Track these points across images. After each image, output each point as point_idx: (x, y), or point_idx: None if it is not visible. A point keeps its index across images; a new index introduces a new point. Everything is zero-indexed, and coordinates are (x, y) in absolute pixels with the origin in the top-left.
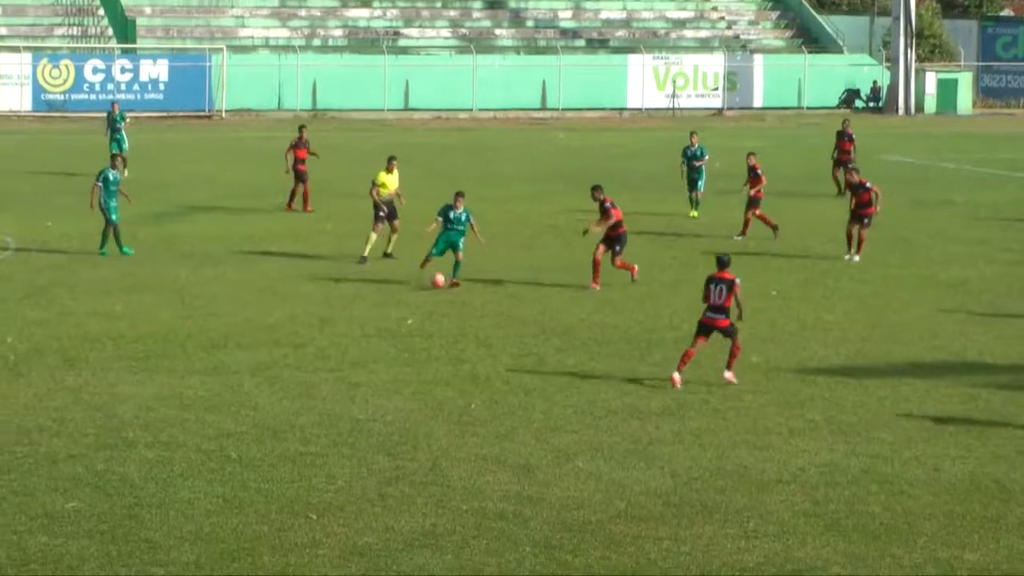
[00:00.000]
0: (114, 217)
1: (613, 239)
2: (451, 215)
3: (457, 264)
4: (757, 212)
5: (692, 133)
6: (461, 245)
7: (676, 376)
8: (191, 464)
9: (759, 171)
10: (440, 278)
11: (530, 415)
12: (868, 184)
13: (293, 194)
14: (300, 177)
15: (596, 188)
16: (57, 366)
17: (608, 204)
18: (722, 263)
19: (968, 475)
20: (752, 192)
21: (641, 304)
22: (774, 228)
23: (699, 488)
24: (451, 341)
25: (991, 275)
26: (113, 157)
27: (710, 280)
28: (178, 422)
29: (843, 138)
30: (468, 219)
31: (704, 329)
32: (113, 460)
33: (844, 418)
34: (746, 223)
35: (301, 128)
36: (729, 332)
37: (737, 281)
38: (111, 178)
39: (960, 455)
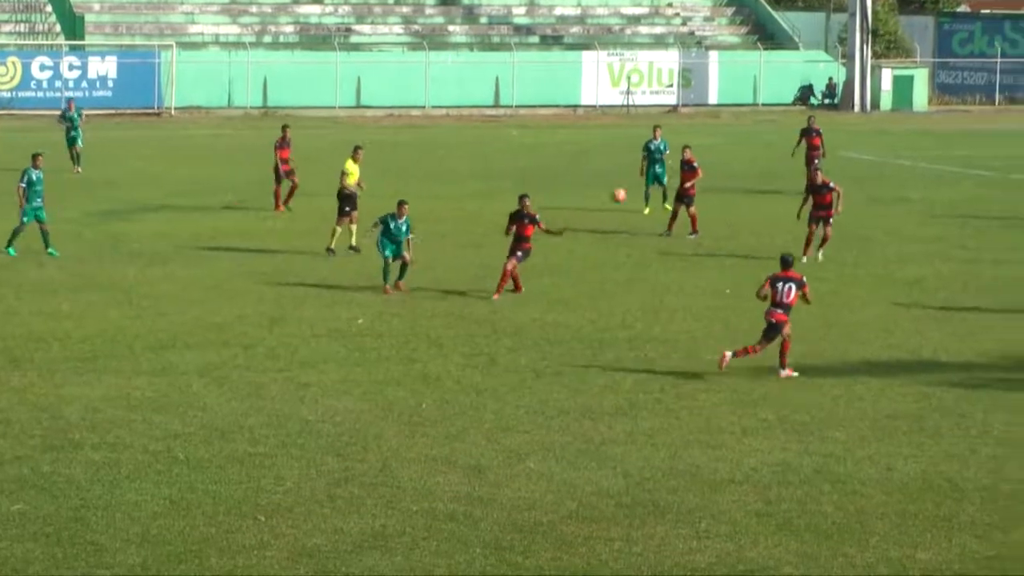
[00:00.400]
0: (26, 220)
1: (520, 250)
2: (392, 225)
3: (404, 267)
4: (682, 208)
5: (656, 127)
6: (404, 249)
7: (786, 371)
8: (138, 466)
9: (695, 164)
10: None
11: (481, 415)
12: (831, 184)
13: (290, 193)
14: (283, 175)
15: (525, 196)
16: (2, 367)
17: (537, 217)
18: (786, 262)
19: (921, 474)
20: (687, 186)
21: (594, 303)
22: (668, 231)
23: (651, 488)
24: (402, 341)
25: (947, 273)
26: (35, 156)
27: (776, 280)
28: (125, 423)
29: (811, 134)
30: (407, 231)
31: (773, 328)
32: (59, 462)
33: (797, 417)
34: (693, 219)
35: (284, 128)
36: (780, 331)
37: (805, 280)
38: (34, 178)
39: (913, 454)
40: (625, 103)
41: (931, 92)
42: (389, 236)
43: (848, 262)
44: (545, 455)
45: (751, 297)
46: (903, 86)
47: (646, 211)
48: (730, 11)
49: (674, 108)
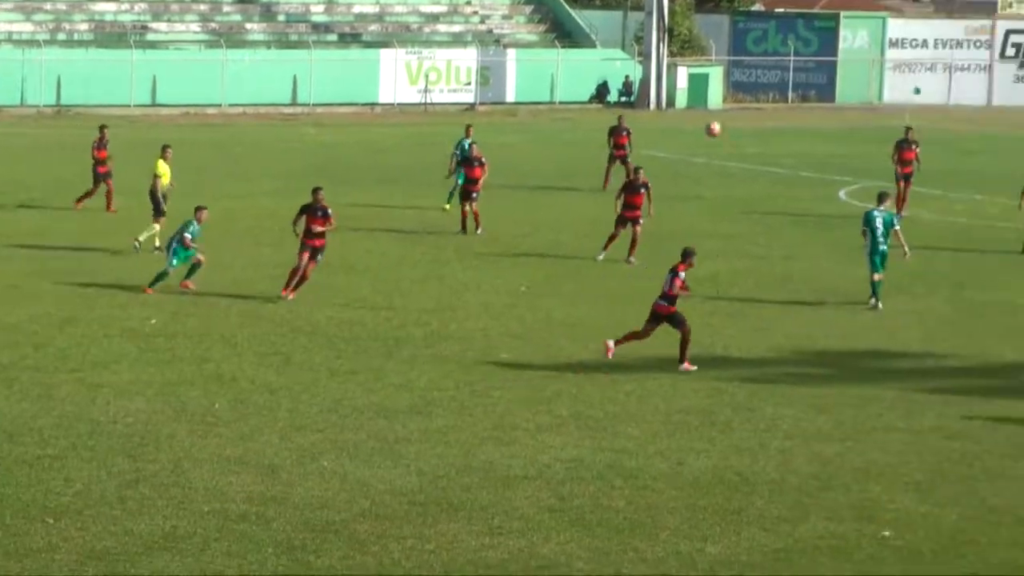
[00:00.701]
0: None
1: (312, 247)
2: (193, 231)
3: (196, 266)
4: (474, 207)
5: (468, 126)
6: (198, 252)
7: (611, 344)
8: None
9: (483, 160)
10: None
11: (275, 414)
12: (649, 184)
13: (108, 195)
14: (100, 177)
15: (319, 189)
16: None
17: (329, 211)
18: (682, 254)
19: (711, 468)
20: (478, 182)
21: (390, 301)
22: (462, 230)
23: (444, 486)
24: (195, 340)
25: (740, 269)
26: None
27: (670, 271)
28: None
29: (620, 133)
30: (199, 234)
31: (653, 316)
32: None
33: (591, 413)
34: (475, 216)
35: (102, 128)
36: (674, 321)
37: (681, 276)
38: None
39: (704, 448)
40: (423, 101)
41: (726, 90)
42: (193, 243)
43: (642, 259)
44: (339, 454)
45: (547, 294)
46: (698, 84)
47: (447, 207)
48: (528, 9)
49: (472, 106)
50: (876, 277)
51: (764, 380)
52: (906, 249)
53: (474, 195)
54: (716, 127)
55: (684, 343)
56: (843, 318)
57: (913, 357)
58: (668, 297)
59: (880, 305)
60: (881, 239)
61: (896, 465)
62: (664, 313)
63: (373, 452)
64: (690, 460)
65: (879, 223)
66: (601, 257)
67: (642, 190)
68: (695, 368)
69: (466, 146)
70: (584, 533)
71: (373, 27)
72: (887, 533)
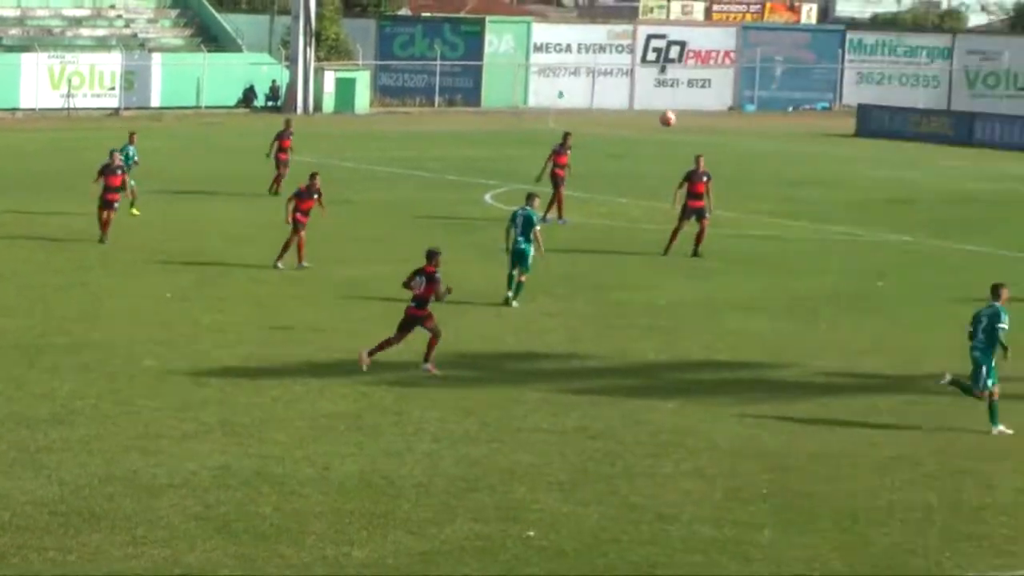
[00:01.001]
0: None
1: None
2: None
3: None
4: (112, 214)
5: (132, 134)
6: None
7: (365, 355)
8: None
9: (124, 168)
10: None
11: None
12: (321, 190)
13: None
14: None
15: None
16: None
17: None
18: (427, 255)
19: (358, 472)
20: (130, 192)
21: (32, 308)
22: (102, 237)
23: (87, 496)
24: None
25: (386, 273)
26: None
27: (416, 273)
28: None
29: (285, 136)
30: None
31: (407, 321)
32: None
33: (237, 419)
34: (106, 224)
35: None
36: (426, 322)
37: (438, 276)
38: None
39: (351, 453)
40: (66, 106)
41: (373, 94)
42: None
43: (290, 263)
44: None
45: (192, 300)
46: (346, 88)
47: (134, 211)
48: (174, 13)
49: (116, 111)
50: (514, 275)
51: (412, 384)
52: (542, 251)
53: (115, 204)
54: (671, 116)
55: (432, 344)
56: (489, 320)
57: (557, 358)
58: (419, 299)
59: (515, 304)
60: (520, 238)
61: (540, 465)
62: (418, 315)
63: (13, 463)
64: (337, 465)
65: (519, 220)
66: (302, 265)
67: (316, 196)
68: (438, 372)
69: (131, 152)
70: (230, 540)
71: (14, 31)
72: (531, 533)
